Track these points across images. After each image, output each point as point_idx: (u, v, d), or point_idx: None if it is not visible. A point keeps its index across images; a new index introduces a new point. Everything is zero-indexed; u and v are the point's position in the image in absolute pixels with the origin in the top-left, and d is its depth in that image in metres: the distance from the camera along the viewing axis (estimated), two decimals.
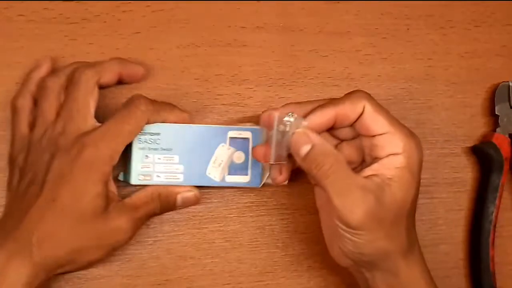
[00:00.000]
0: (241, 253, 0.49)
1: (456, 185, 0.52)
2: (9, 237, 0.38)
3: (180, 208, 0.46)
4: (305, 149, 0.39)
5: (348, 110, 0.40)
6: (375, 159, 0.40)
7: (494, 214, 0.50)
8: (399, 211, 0.39)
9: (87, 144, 0.39)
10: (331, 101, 0.41)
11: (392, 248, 0.40)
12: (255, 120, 0.48)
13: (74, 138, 0.40)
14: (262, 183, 0.47)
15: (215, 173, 0.45)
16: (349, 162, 0.42)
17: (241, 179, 0.46)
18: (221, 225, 0.49)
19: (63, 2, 0.48)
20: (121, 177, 0.46)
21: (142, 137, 0.44)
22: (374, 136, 0.40)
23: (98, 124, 0.41)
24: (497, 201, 0.50)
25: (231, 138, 0.45)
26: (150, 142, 0.45)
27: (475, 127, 0.53)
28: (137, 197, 0.43)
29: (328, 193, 0.38)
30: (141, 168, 0.45)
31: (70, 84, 0.42)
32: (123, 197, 0.43)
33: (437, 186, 0.52)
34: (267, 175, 0.46)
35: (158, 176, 0.45)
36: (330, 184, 0.38)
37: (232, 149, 0.45)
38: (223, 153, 0.45)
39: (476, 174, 0.53)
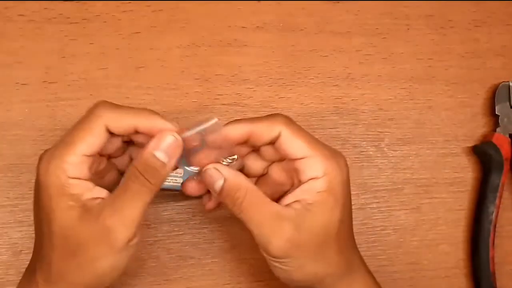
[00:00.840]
0: (241, 253, 0.49)
1: (456, 185, 0.52)
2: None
3: (173, 164, 0.37)
4: (218, 184, 0.38)
5: (263, 131, 0.38)
6: (299, 183, 0.39)
7: (494, 214, 0.50)
8: (324, 235, 0.38)
9: (40, 161, 0.37)
10: (251, 118, 0.39)
11: (324, 272, 0.39)
12: None
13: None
14: None
15: None
16: (279, 184, 0.41)
17: None
18: (221, 225, 0.49)
19: (63, 2, 0.48)
20: None
21: None
22: (295, 160, 0.39)
23: None
24: (497, 201, 0.50)
25: None
26: None
27: (475, 127, 0.53)
28: (117, 188, 0.37)
29: (246, 225, 0.38)
30: None
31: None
32: None
33: (437, 186, 0.52)
34: None
35: None
36: (246, 216, 0.37)
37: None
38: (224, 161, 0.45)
39: (476, 174, 0.53)
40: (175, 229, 0.48)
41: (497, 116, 0.52)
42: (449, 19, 0.54)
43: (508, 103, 0.52)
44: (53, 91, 0.47)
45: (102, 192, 0.37)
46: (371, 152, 0.51)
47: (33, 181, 0.46)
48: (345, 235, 0.40)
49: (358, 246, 0.42)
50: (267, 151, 0.41)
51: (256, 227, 0.37)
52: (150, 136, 0.37)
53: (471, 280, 0.51)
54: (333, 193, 0.38)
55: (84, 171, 0.36)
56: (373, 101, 0.52)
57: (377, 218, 0.51)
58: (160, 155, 0.36)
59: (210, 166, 0.38)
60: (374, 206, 0.51)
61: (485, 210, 0.50)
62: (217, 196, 0.38)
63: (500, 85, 0.52)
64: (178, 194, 0.48)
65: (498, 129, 0.51)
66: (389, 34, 0.53)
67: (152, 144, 0.36)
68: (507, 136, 0.51)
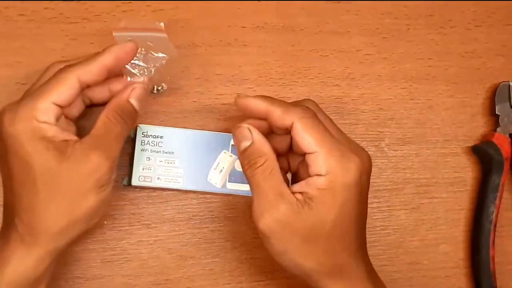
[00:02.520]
0: (241, 253, 0.49)
1: (456, 185, 0.52)
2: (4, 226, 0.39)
3: (141, 109, 0.41)
4: (244, 144, 0.40)
5: (277, 116, 0.40)
6: (308, 176, 0.40)
7: (494, 214, 0.50)
8: (314, 229, 0.38)
9: (2, 113, 0.38)
10: (275, 100, 0.41)
11: (307, 267, 0.39)
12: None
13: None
14: None
15: (216, 179, 0.46)
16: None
17: (242, 187, 0.47)
18: (221, 224, 0.49)
19: (64, 2, 0.48)
20: (125, 182, 0.46)
21: (145, 139, 0.45)
22: (304, 154, 0.39)
23: None
24: (497, 201, 0.50)
25: (233, 145, 0.46)
26: (153, 145, 0.45)
27: (475, 127, 0.53)
28: (95, 129, 0.39)
29: (252, 190, 0.39)
30: (142, 169, 0.45)
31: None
32: None
33: (437, 186, 0.52)
34: None
35: (158, 178, 0.45)
36: (255, 182, 0.39)
37: (234, 156, 0.46)
38: (225, 160, 0.46)
39: (476, 174, 0.53)
40: (175, 229, 0.48)
41: (497, 116, 0.52)
42: (449, 19, 0.54)
43: (508, 103, 0.52)
44: None
45: (71, 136, 0.39)
46: (371, 152, 0.51)
47: None
48: (338, 237, 0.39)
49: None
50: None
51: (257, 195, 0.39)
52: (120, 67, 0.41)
53: (471, 280, 0.51)
54: (332, 192, 0.38)
55: (52, 118, 0.38)
56: (373, 101, 0.52)
57: (377, 218, 0.51)
58: (135, 103, 0.41)
59: (245, 125, 0.40)
60: (374, 206, 0.51)
61: (485, 210, 0.50)
62: (239, 154, 0.40)
63: (500, 85, 0.52)
64: (178, 193, 0.48)
65: (498, 129, 0.51)
66: (389, 34, 0.53)
67: (127, 92, 0.41)
68: (507, 136, 0.51)
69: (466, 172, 0.53)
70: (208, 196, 0.48)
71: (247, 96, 0.41)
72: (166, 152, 0.46)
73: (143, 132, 0.46)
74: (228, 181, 0.46)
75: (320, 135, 0.39)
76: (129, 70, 0.41)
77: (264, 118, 0.41)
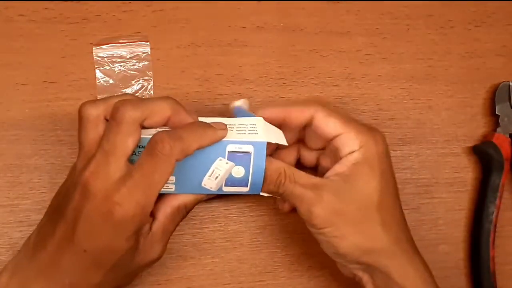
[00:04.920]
0: (241, 253, 0.49)
1: (456, 185, 0.52)
2: (42, 274, 0.38)
3: None
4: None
5: (298, 112, 0.41)
6: (339, 159, 0.41)
7: (494, 214, 0.50)
8: (363, 204, 0.40)
9: (116, 204, 0.36)
10: (287, 103, 0.43)
11: (367, 245, 0.40)
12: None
13: (103, 188, 0.36)
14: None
15: (211, 185, 0.42)
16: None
17: (238, 190, 0.42)
18: (222, 225, 0.49)
19: (64, 2, 0.48)
20: None
21: (137, 149, 0.39)
22: (332, 139, 0.41)
23: (130, 166, 0.37)
24: (497, 201, 0.51)
25: (230, 152, 0.41)
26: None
27: (476, 127, 0.53)
28: (165, 218, 0.41)
29: (291, 201, 0.41)
30: None
31: (111, 120, 0.37)
32: None
33: (437, 186, 0.52)
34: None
35: None
36: (289, 192, 0.40)
37: (230, 163, 0.41)
38: (221, 167, 0.41)
39: (476, 174, 0.53)
40: (175, 229, 0.48)
41: (497, 116, 0.52)
42: (449, 19, 0.54)
43: (508, 103, 0.52)
44: (53, 91, 0.47)
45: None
46: None
47: (34, 181, 0.46)
48: (388, 206, 0.41)
49: None
50: (313, 141, 0.43)
51: (298, 201, 0.40)
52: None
53: (471, 280, 0.52)
54: (368, 163, 0.40)
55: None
56: (373, 101, 0.52)
57: None
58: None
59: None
60: None
61: (485, 210, 0.51)
62: (264, 188, 0.41)
63: (500, 85, 0.52)
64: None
65: (498, 129, 0.51)
66: (389, 34, 0.53)
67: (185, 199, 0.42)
68: (507, 136, 0.51)
69: (466, 172, 0.53)
70: None
71: (265, 107, 0.42)
72: None
73: None
74: (224, 185, 0.42)
75: (343, 118, 0.41)
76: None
77: (282, 120, 0.42)
